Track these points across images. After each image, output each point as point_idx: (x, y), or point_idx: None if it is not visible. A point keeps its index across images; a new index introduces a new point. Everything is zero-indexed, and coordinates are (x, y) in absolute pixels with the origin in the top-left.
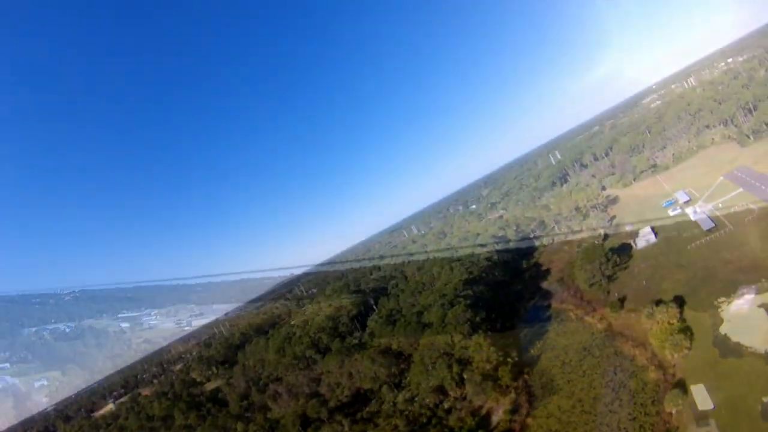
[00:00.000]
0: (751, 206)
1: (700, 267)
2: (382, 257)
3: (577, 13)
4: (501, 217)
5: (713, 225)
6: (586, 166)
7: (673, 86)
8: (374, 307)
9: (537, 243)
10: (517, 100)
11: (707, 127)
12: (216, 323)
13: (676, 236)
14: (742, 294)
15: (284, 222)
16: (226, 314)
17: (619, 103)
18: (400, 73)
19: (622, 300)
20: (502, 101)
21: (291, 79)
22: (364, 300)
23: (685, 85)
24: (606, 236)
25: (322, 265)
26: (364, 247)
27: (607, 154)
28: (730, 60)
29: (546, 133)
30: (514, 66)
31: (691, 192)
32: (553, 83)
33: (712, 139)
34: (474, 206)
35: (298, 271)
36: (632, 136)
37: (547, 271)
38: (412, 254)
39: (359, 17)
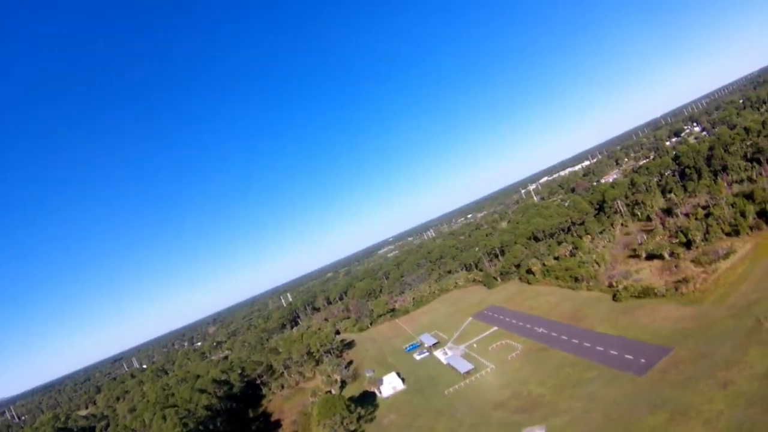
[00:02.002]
0: (511, 343)
1: (467, 412)
2: (99, 389)
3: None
4: (226, 357)
5: (471, 367)
6: (318, 310)
7: (409, 238)
8: None
9: (265, 389)
10: (250, 247)
11: (449, 272)
12: None
13: (428, 381)
14: None
15: None
16: None
17: (353, 253)
18: None
19: None
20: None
21: None
22: None
23: (424, 236)
24: (344, 383)
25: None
26: (86, 373)
27: (341, 298)
28: (470, 216)
29: (281, 277)
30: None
31: (437, 334)
32: (286, 235)
33: (456, 282)
34: (199, 343)
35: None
36: (368, 281)
37: (278, 423)
38: (127, 391)
39: None
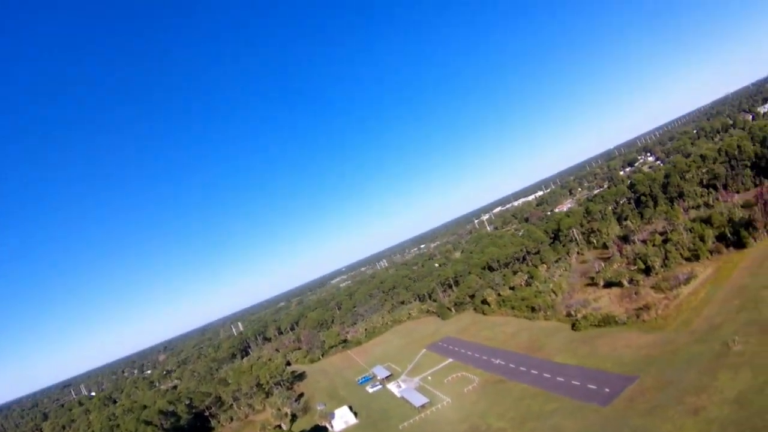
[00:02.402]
0: (468, 375)
1: None
2: (46, 416)
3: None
4: (175, 387)
5: (426, 400)
6: (269, 340)
7: (362, 268)
8: None
9: (213, 422)
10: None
11: (402, 303)
12: None
13: (381, 415)
14: None
15: None
16: None
17: (307, 282)
18: None
19: None
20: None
21: None
22: None
23: (377, 266)
24: (294, 417)
25: None
26: (34, 399)
27: (292, 329)
28: (422, 246)
29: (234, 305)
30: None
31: (391, 366)
32: (239, 263)
33: (409, 313)
34: (149, 371)
35: None
36: (320, 311)
37: None
38: (73, 420)
39: None
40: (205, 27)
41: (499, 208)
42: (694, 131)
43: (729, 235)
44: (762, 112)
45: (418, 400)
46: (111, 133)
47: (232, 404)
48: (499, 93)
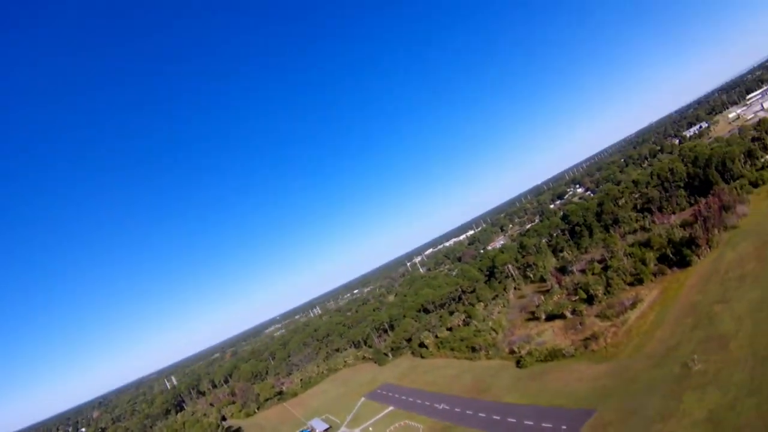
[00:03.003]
0: (411, 423)
1: None
2: None
3: None
4: None
5: None
6: (203, 394)
7: (297, 316)
8: None
9: None
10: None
11: (337, 350)
12: None
13: None
14: None
15: None
16: None
17: (242, 332)
18: None
19: None
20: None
21: None
22: None
23: (311, 314)
24: None
25: None
26: None
27: (226, 381)
28: (356, 291)
29: (168, 358)
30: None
31: (329, 418)
32: (172, 314)
33: (345, 361)
34: (83, 429)
35: None
36: (254, 363)
37: None
38: None
39: None
40: (211, 25)
41: (430, 250)
42: (622, 160)
43: (671, 255)
44: (688, 135)
45: None
46: None
47: None
48: (421, 139)
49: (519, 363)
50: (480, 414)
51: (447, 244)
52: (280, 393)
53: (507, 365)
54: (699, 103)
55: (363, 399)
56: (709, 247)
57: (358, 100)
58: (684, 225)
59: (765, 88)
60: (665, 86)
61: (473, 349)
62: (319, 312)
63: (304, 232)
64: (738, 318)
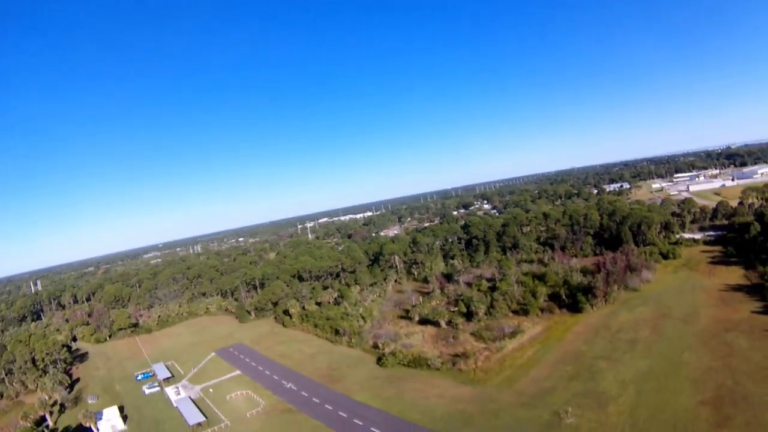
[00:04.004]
0: (254, 396)
1: None
2: None
3: None
4: None
5: (203, 419)
6: (63, 307)
7: (178, 249)
8: None
9: None
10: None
11: (204, 294)
12: None
13: (152, 427)
14: None
15: None
16: None
17: (123, 251)
18: None
19: None
20: None
21: None
22: None
23: (191, 250)
24: (63, 408)
25: None
26: None
27: (88, 299)
28: (241, 239)
29: (49, 259)
30: None
31: (174, 366)
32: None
33: (207, 308)
34: None
35: None
36: (120, 286)
37: None
38: None
39: None
40: None
41: (325, 219)
42: (536, 191)
43: (564, 296)
44: (608, 189)
45: (193, 416)
46: None
47: (4, 378)
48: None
49: (380, 360)
50: (327, 405)
51: (343, 218)
52: (135, 325)
53: (367, 359)
54: (625, 165)
55: (213, 354)
56: (605, 301)
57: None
58: (584, 271)
59: (695, 173)
60: (597, 140)
61: (336, 332)
62: (199, 251)
63: (213, 167)
64: (622, 382)
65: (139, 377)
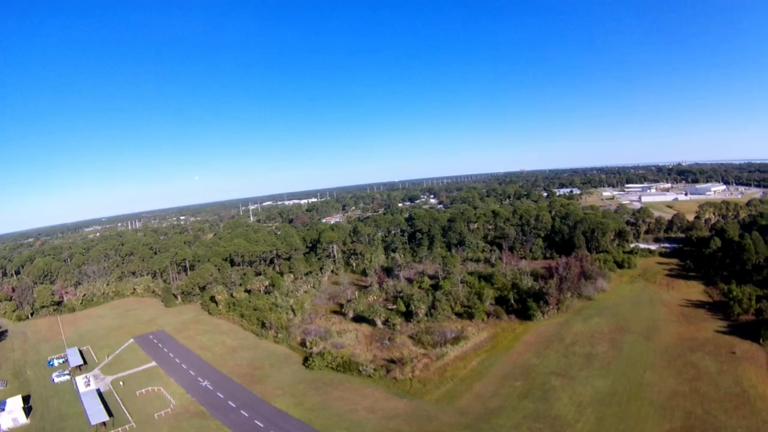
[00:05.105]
0: (165, 394)
1: None
2: None
3: None
4: None
5: (105, 418)
6: None
7: (119, 224)
8: None
9: None
10: None
11: (133, 273)
12: None
13: (55, 422)
14: None
15: None
16: None
17: (67, 222)
18: None
19: None
20: None
21: None
22: None
23: (129, 225)
24: None
25: None
26: None
27: (17, 272)
28: (183, 218)
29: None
30: None
31: (89, 352)
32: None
33: (135, 288)
34: None
35: None
36: (50, 260)
37: None
38: None
39: None
40: None
41: (269, 203)
42: (484, 190)
43: (513, 301)
44: (558, 193)
45: (96, 415)
46: None
47: None
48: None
49: (307, 361)
50: (243, 411)
51: (287, 202)
52: (59, 303)
53: (293, 358)
54: (575, 172)
55: (131, 340)
56: (557, 309)
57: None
58: (535, 275)
59: (646, 185)
60: (548, 145)
61: (263, 325)
62: (137, 226)
63: (162, 143)
64: (579, 405)
65: (51, 362)
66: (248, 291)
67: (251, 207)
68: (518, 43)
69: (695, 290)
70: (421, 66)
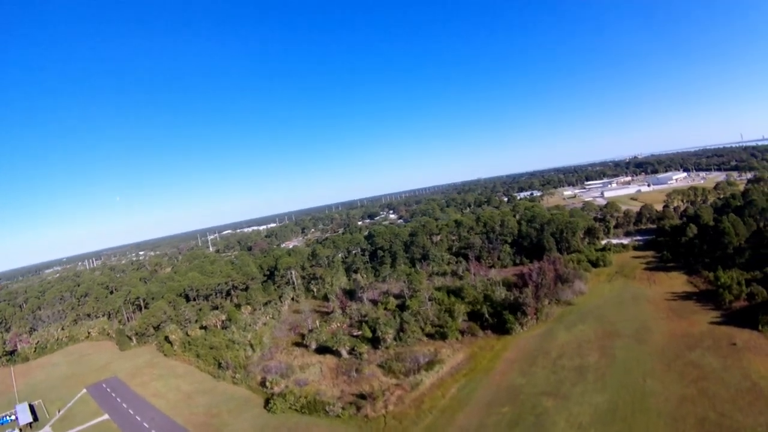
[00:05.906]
0: None
1: None
2: None
3: None
4: None
5: None
6: None
7: (79, 263)
8: None
9: None
10: None
11: (89, 315)
12: None
13: None
14: None
15: None
16: None
17: (26, 266)
18: None
19: None
20: None
21: None
22: None
23: (88, 264)
24: None
25: None
26: None
27: None
28: (142, 253)
29: None
30: None
31: (41, 406)
32: None
33: (89, 332)
34: None
35: None
36: (3, 306)
37: None
38: None
39: None
40: None
41: (229, 231)
42: (444, 200)
43: (487, 315)
44: (519, 197)
45: None
46: None
47: None
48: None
49: (268, 404)
50: None
51: (246, 230)
52: (12, 353)
53: (253, 401)
54: (532, 174)
55: (84, 391)
56: (536, 319)
57: None
58: (507, 284)
59: (606, 180)
60: (503, 151)
61: (220, 365)
62: (94, 265)
63: (119, 175)
64: (580, 427)
65: (3, 420)
66: (204, 327)
67: (210, 237)
68: (462, 51)
69: (678, 281)
70: (372, 83)
